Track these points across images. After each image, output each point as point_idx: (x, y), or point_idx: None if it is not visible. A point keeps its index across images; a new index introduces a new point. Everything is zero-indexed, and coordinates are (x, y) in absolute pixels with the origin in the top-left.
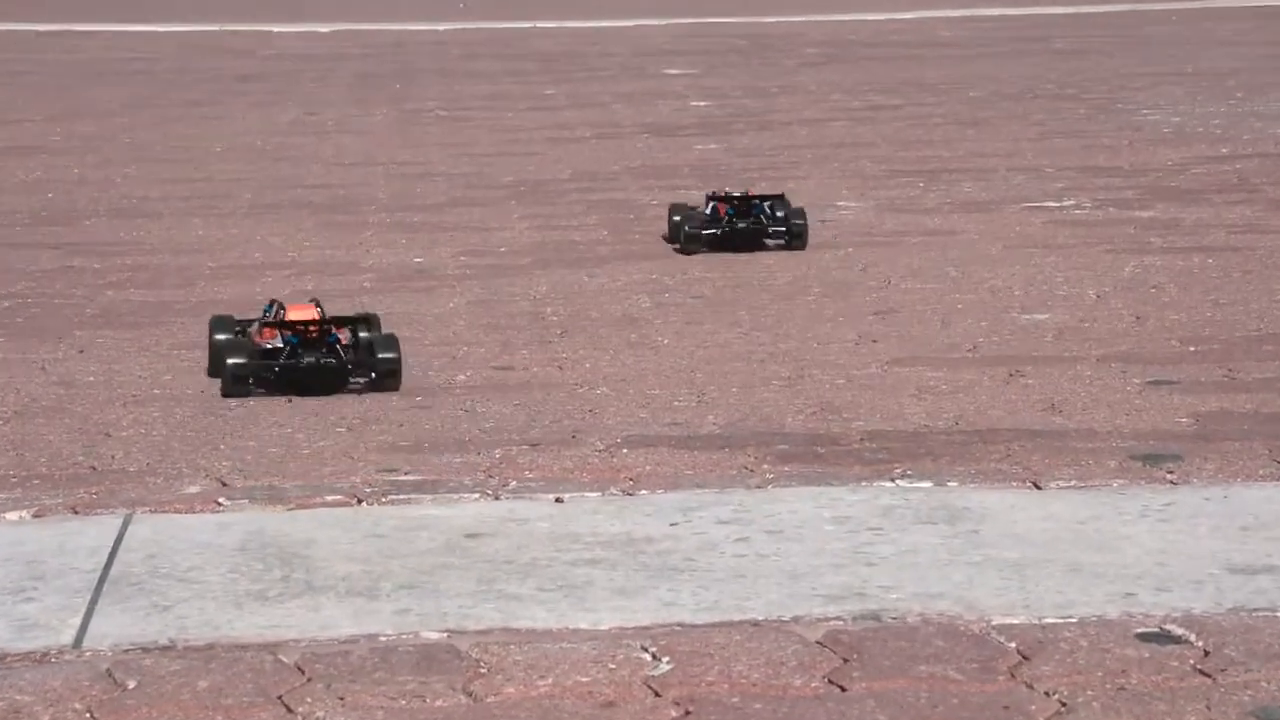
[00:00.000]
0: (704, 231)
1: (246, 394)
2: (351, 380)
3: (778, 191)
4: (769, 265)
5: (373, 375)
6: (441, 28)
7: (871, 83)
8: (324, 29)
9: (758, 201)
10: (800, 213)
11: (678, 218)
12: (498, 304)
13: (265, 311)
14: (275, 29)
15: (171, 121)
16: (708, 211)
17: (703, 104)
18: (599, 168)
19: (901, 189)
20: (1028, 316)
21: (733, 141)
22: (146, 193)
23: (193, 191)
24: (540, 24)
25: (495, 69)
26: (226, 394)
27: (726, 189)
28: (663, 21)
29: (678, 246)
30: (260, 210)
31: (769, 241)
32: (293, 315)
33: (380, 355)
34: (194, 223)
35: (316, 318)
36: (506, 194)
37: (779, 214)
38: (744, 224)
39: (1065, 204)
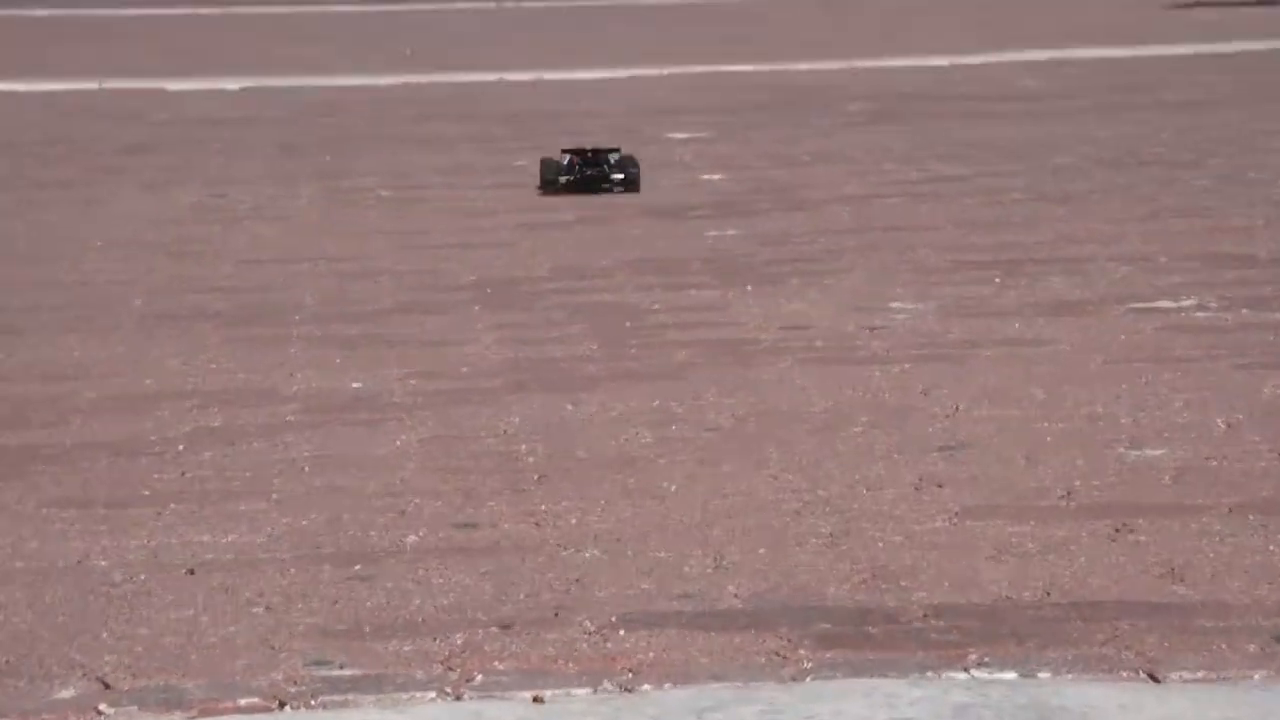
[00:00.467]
0: (560, 178)
1: None
2: None
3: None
4: (802, 387)
5: None
6: (384, 82)
7: (932, 147)
8: (233, 85)
9: (602, 154)
10: (633, 160)
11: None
12: (458, 441)
13: None
14: (171, 86)
15: (37, 208)
16: (564, 163)
17: (716, 177)
18: (585, 261)
19: (972, 286)
20: (1138, 452)
21: (755, 225)
22: (5, 301)
23: (66, 299)
24: (509, 75)
25: (453, 134)
26: None
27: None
28: (664, 71)
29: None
30: (153, 322)
31: (609, 185)
32: None
33: None
34: (67, 340)
35: None
36: (469, 297)
37: (614, 163)
38: (591, 171)
39: (1184, 304)
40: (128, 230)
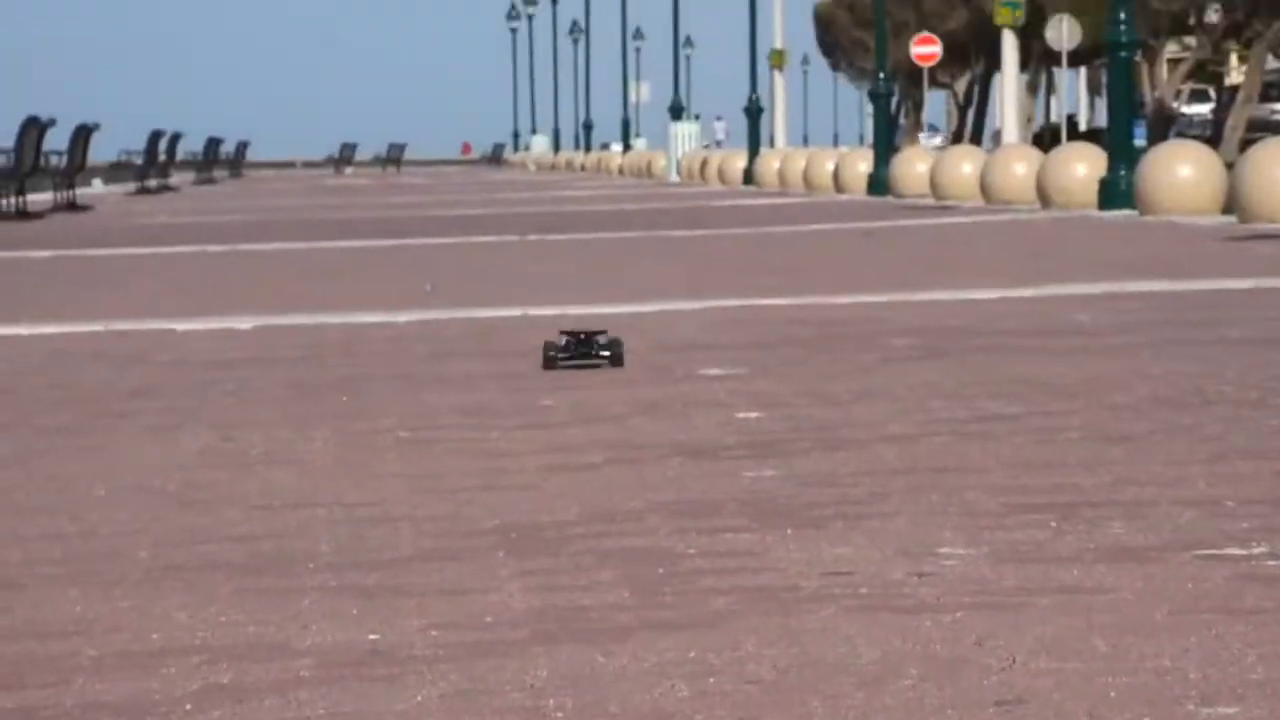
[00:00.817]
0: (559, 355)
1: None
2: None
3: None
4: (847, 636)
5: None
6: (401, 319)
7: (981, 384)
8: (244, 324)
9: (593, 335)
10: (619, 341)
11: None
12: (483, 696)
13: None
14: (179, 326)
15: (37, 456)
16: (561, 343)
17: (752, 415)
18: (615, 505)
19: (1026, 530)
20: (1209, 710)
21: (794, 466)
22: (3, 554)
23: (67, 552)
24: (534, 310)
25: (475, 372)
26: None
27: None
28: (696, 305)
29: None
30: (159, 574)
31: (599, 360)
32: None
33: None
34: (69, 595)
35: None
36: (492, 543)
37: (603, 342)
38: (583, 349)
39: (1255, 551)
40: (133, 477)
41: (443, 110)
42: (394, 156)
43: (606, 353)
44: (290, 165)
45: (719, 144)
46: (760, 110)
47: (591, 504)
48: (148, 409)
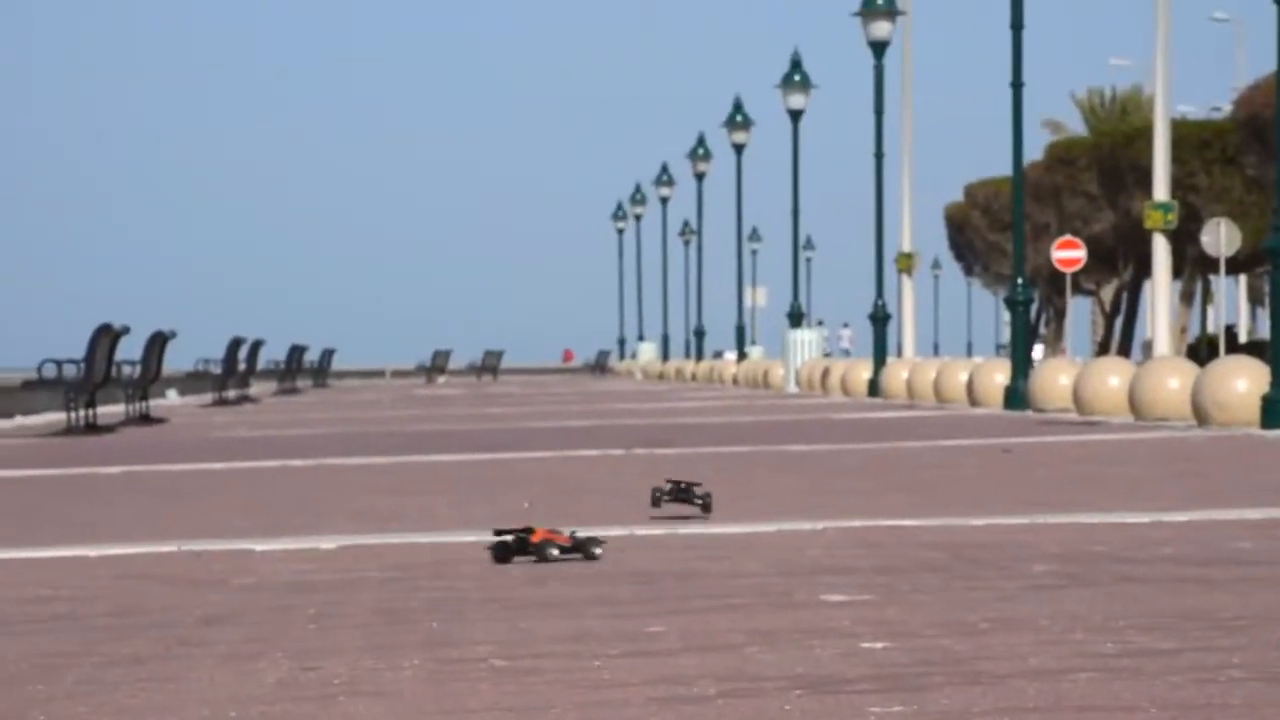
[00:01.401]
0: (662, 498)
1: None
2: None
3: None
4: None
5: None
6: (497, 539)
7: (1130, 616)
8: (327, 544)
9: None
10: (709, 493)
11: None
12: None
13: None
14: (257, 546)
15: (105, 689)
16: (666, 488)
17: (879, 646)
18: None
19: None
20: None
21: (925, 702)
22: None
23: None
24: (640, 530)
25: (576, 596)
26: None
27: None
28: (818, 525)
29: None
30: None
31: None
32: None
33: None
34: None
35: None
36: None
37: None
38: (683, 496)
39: None
40: (206, 711)
41: (543, 315)
42: (490, 364)
43: (700, 500)
44: (379, 374)
45: (846, 353)
46: (887, 317)
47: None
48: (223, 636)
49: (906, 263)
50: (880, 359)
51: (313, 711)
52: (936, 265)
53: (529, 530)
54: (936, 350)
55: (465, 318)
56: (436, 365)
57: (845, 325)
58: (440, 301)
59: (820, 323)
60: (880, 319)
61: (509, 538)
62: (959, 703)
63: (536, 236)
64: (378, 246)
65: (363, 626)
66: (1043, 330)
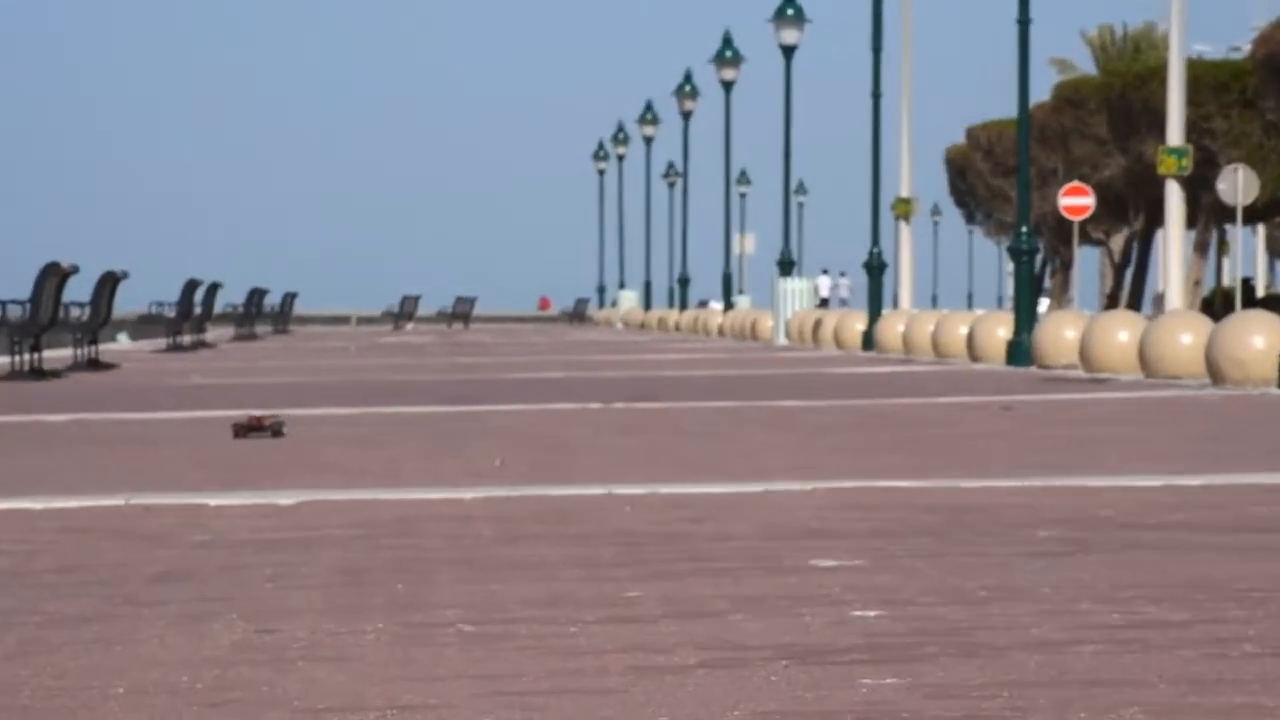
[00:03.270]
0: None
1: None
2: None
3: None
4: None
5: None
6: (468, 496)
7: (1140, 585)
8: (286, 499)
9: None
10: None
11: None
12: None
13: None
14: (211, 501)
15: (48, 650)
16: None
17: (872, 614)
18: (710, 715)
19: None
20: None
21: (919, 674)
22: None
23: None
24: (619, 489)
25: (551, 558)
26: None
27: None
28: (808, 486)
29: None
30: None
31: None
32: None
33: None
34: None
35: None
36: None
37: None
38: None
39: None
40: (156, 674)
41: (518, 260)
42: (461, 311)
43: (272, 429)
44: (344, 320)
45: (844, 303)
46: (883, 266)
47: (683, 713)
48: (174, 596)
49: (904, 209)
50: (875, 310)
51: (269, 676)
52: (936, 212)
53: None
54: (935, 302)
55: (436, 262)
56: (405, 311)
57: (843, 274)
58: (409, 245)
59: (825, 271)
60: (875, 268)
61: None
62: (956, 675)
63: (512, 176)
64: (344, 185)
65: (323, 587)
66: (1048, 282)
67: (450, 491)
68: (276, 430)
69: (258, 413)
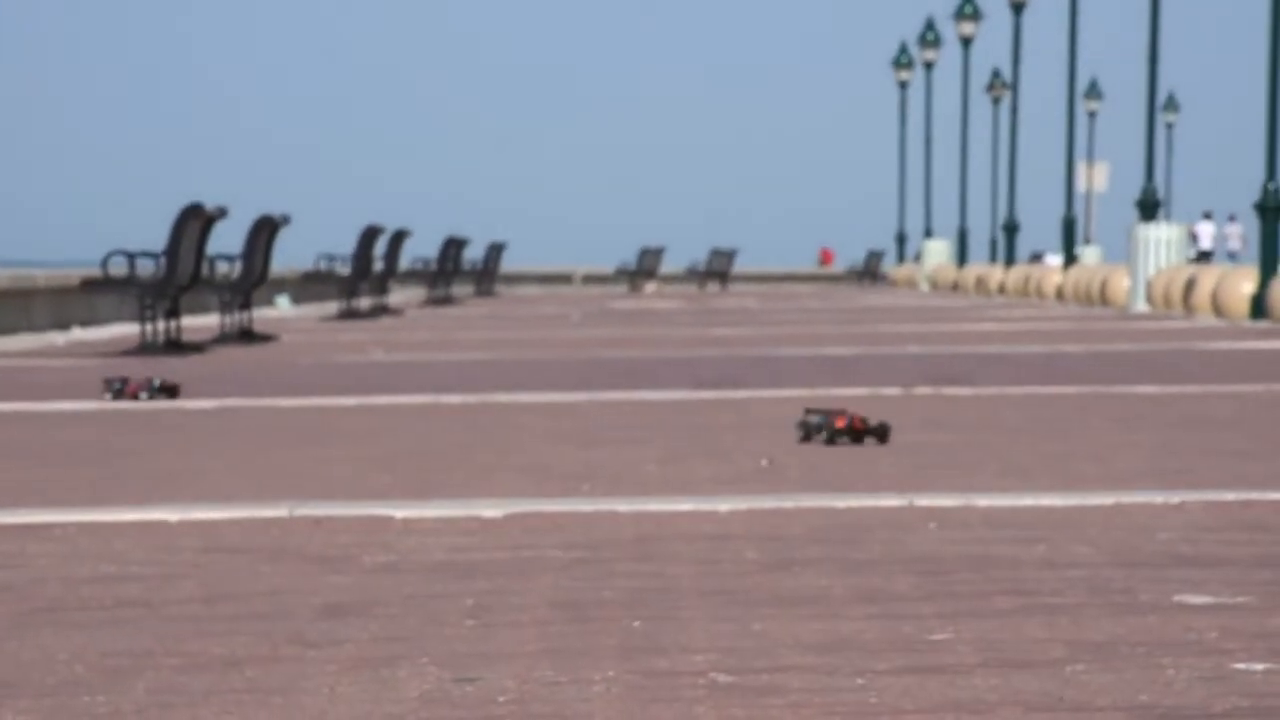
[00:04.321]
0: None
1: None
2: None
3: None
4: None
5: None
6: (725, 508)
7: None
8: (492, 511)
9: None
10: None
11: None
12: None
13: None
14: (397, 512)
15: (189, 702)
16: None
17: (1259, 669)
18: None
19: None
20: None
21: None
22: None
23: None
24: (922, 499)
25: (832, 589)
26: None
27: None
28: (1175, 498)
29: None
30: None
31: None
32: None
33: None
34: None
35: None
36: None
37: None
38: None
39: None
40: None
41: (792, 203)
42: (717, 268)
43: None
44: (565, 279)
45: (1233, 257)
46: None
47: None
48: (349, 634)
49: None
50: (1270, 266)
51: None
52: None
53: (835, 414)
54: None
55: (685, 207)
56: (644, 269)
57: (1233, 219)
58: (651, 184)
59: (1208, 216)
60: (1272, 210)
61: (815, 418)
62: None
63: (785, 94)
64: (565, 110)
65: (539, 625)
66: None
67: (702, 502)
68: (881, 433)
69: (850, 413)
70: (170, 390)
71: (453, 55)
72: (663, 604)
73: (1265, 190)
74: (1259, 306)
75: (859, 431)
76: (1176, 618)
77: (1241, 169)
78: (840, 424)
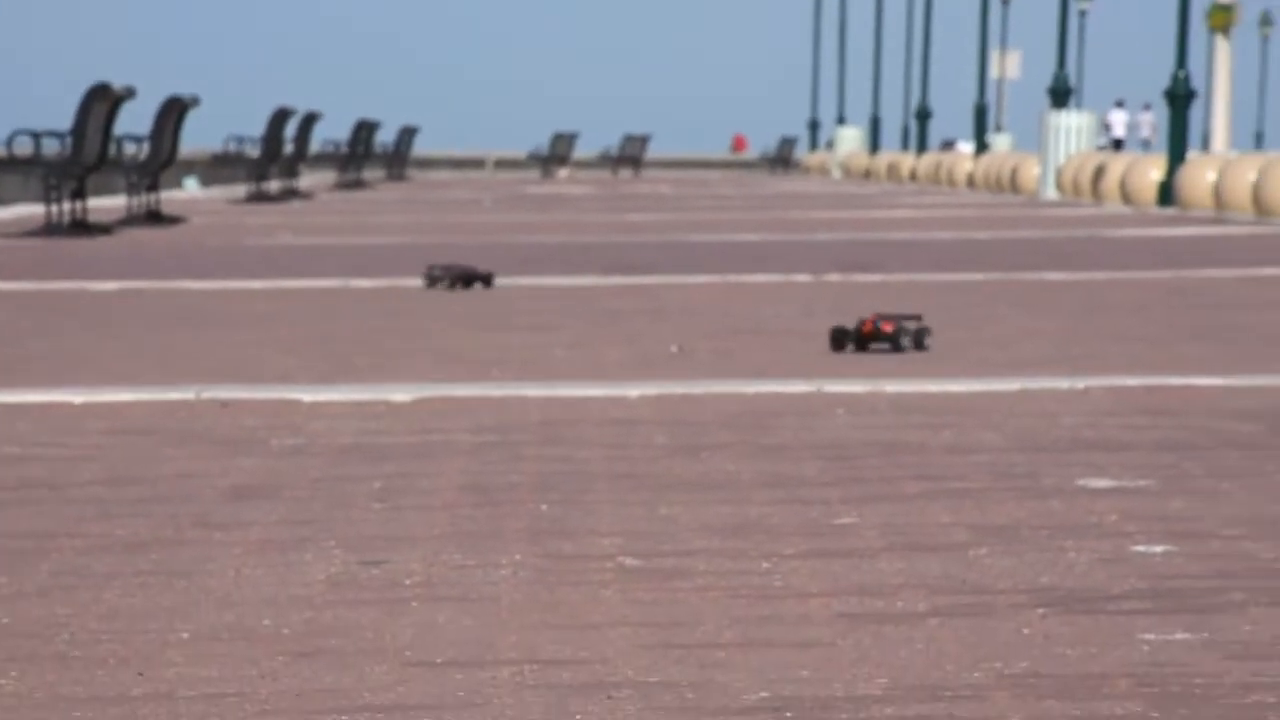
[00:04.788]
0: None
1: None
2: None
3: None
4: None
5: None
6: (635, 393)
7: None
8: (400, 395)
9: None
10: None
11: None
12: None
13: None
14: (305, 396)
15: (94, 584)
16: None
17: (1158, 550)
18: (943, 675)
19: None
20: None
21: (1221, 629)
22: None
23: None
24: (830, 385)
25: (740, 474)
26: None
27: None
28: (1079, 384)
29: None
30: None
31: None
32: None
33: None
34: None
35: None
36: None
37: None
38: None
39: None
40: (230, 617)
41: (704, 89)
42: (630, 154)
43: (912, 335)
44: (478, 164)
45: (1146, 145)
46: (1190, 95)
47: (909, 675)
48: (256, 517)
49: (1223, 18)
50: (1178, 154)
51: (375, 620)
52: (1266, 22)
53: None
54: (1260, 142)
55: (597, 91)
56: (557, 154)
57: (1147, 107)
58: (563, 68)
59: (1121, 104)
60: (1181, 98)
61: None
62: (1268, 630)
63: None
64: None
65: (446, 508)
66: None
67: (612, 387)
68: (919, 338)
69: (886, 315)
70: (485, 279)
71: None
72: (571, 488)
73: (1175, 78)
74: (1166, 194)
75: (890, 336)
76: (1079, 501)
77: (1153, 57)
78: (868, 329)
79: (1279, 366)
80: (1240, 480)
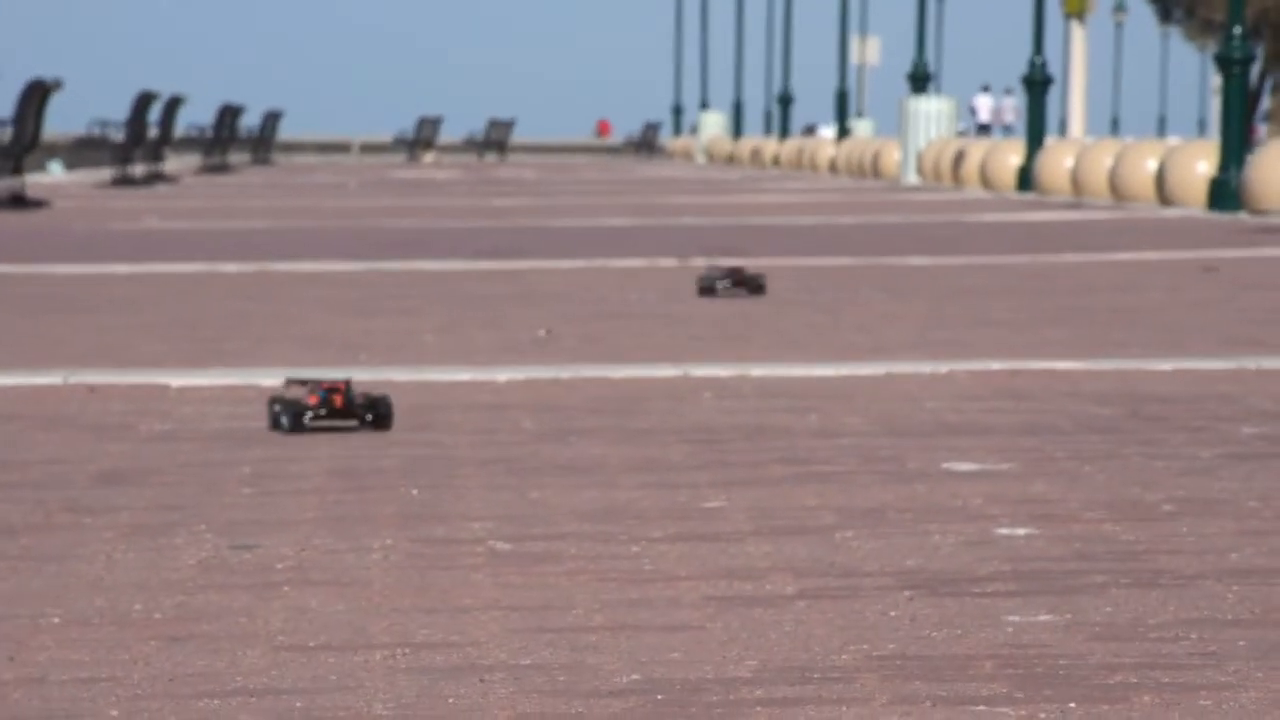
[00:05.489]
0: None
1: None
2: None
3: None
4: None
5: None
6: (502, 377)
7: None
8: (270, 379)
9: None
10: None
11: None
12: None
13: None
14: (173, 381)
15: None
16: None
17: (1021, 533)
18: (811, 657)
19: None
20: None
21: (1082, 609)
22: None
23: (3, 710)
24: (697, 370)
25: (608, 458)
26: None
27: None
28: (943, 367)
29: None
30: None
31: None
32: None
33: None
34: None
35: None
36: (627, 708)
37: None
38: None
39: None
40: (101, 601)
41: (569, 75)
42: (495, 139)
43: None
44: (343, 148)
45: (1009, 130)
46: (1047, 81)
47: (776, 655)
48: (126, 502)
49: (1077, 5)
50: (1036, 139)
51: (246, 605)
52: (1120, 9)
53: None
54: (1116, 128)
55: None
56: (422, 138)
57: (1009, 92)
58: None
59: (986, 89)
60: (1038, 84)
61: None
62: (1129, 611)
63: None
64: None
65: (317, 493)
66: (1266, 102)
67: (479, 372)
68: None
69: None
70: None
71: None
72: (441, 472)
73: (1032, 64)
74: (1025, 179)
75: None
76: (943, 485)
77: (1012, 44)
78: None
79: (1137, 350)
80: (1100, 463)
